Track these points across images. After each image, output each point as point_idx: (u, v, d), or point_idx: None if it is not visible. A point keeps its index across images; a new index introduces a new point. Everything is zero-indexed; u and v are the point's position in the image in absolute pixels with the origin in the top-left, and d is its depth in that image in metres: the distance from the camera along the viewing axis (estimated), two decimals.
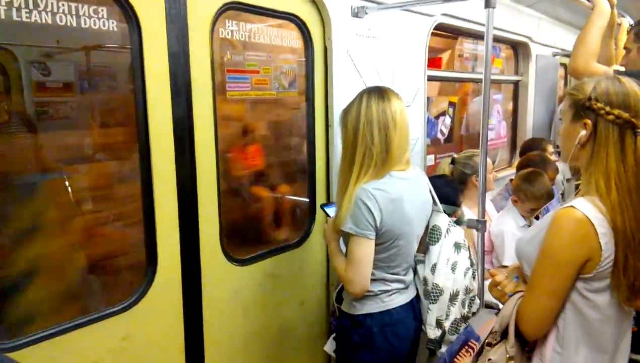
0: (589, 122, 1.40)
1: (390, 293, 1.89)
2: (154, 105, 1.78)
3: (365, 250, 1.77)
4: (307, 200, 2.54)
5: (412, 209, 1.85)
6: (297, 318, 2.52)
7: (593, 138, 1.40)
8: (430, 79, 3.28)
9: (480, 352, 1.54)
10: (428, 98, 3.27)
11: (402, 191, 1.82)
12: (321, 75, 2.46)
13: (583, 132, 1.41)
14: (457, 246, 2.03)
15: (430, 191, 2.03)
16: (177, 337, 1.96)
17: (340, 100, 2.47)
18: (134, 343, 1.80)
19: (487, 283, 2.32)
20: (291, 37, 2.36)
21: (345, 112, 1.89)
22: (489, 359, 1.45)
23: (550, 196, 3.04)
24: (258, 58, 2.25)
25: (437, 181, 2.72)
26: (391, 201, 1.77)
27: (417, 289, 2.02)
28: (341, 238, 1.95)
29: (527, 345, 1.50)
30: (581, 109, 1.42)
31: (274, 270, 2.35)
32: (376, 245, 1.79)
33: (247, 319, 2.24)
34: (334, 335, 2.14)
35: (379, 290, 1.86)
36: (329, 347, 2.16)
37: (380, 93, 1.83)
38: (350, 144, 1.83)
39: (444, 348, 1.96)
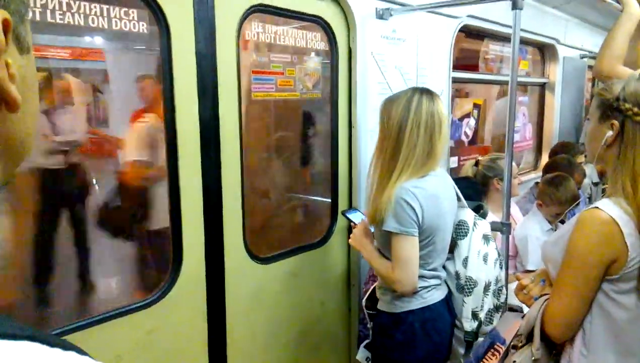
0: (616, 123, 1.38)
1: (429, 289, 1.91)
2: (182, 106, 1.82)
3: (411, 248, 1.79)
4: (330, 201, 2.55)
5: (445, 204, 1.89)
6: (318, 318, 2.53)
7: (620, 139, 1.39)
8: (456, 80, 3.26)
9: (505, 355, 1.53)
10: (452, 100, 3.25)
11: (437, 187, 1.85)
12: (345, 77, 2.47)
13: (610, 133, 1.40)
14: (486, 238, 2.04)
15: (454, 187, 2.05)
16: (201, 332, 1.99)
17: (364, 102, 2.48)
18: (159, 337, 1.84)
19: (512, 287, 2.31)
20: (316, 39, 2.38)
21: (390, 104, 1.87)
22: (514, 361, 1.44)
23: (575, 200, 3.00)
24: (282, 60, 2.27)
25: (460, 183, 2.71)
26: (430, 197, 1.80)
27: (447, 286, 2.03)
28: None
29: (555, 348, 1.49)
30: (609, 109, 1.41)
31: (295, 270, 2.37)
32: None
33: (269, 317, 2.27)
34: (365, 342, 2.14)
35: (420, 287, 1.88)
36: (361, 355, 2.16)
37: (429, 94, 1.85)
38: (393, 139, 1.82)
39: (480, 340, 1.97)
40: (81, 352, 0.42)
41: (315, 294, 2.50)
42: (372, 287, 2.08)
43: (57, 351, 0.40)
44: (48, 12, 1.51)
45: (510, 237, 2.99)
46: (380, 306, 1.98)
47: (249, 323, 2.18)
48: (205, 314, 1.99)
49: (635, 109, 1.35)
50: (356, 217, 2.15)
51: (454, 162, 3.53)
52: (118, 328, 1.74)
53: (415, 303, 1.88)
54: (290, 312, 2.37)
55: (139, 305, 1.80)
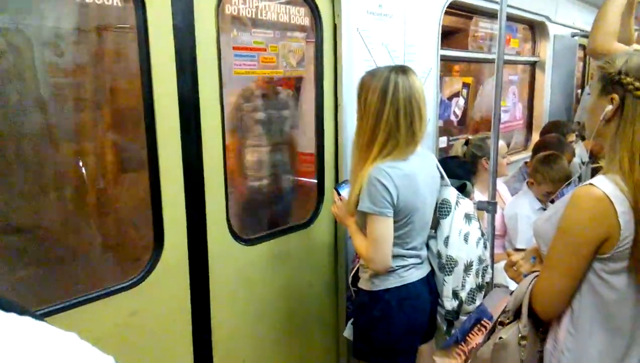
0: (616, 97, 1.35)
1: (408, 268, 1.91)
2: (160, 83, 1.77)
3: (384, 228, 1.78)
4: (316, 180, 2.52)
5: (424, 184, 1.87)
6: (306, 299, 2.51)
7: (620, 114, 1.35)
8: (444, 59, 3.21)
9: (492, 331, 1.52)
10: (441, 78, 3.20)
11: (414, 167, 1.83)
12: (330, 54, 2.42)
13: (609, 107, 1.36)
14: (468, 217, 2.04)
15: (437, 166, 2.03)
16: (184, 314, 1.97)
17: (350, 80, 2.44)
18: (141, 319, 1.81)
19: (499, 265, 2.31)
20: (299, 14, 2.32)
21: (366, 86, 1.83)
22: (500, 337, 1.43)
23: (567, 179, 2.98)
24: (265, 36, 2.22)
25: (450, 162, 2.70)
26: (405, 177, 1.78)
27: (431, 265, 2.03)
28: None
29: (542, 325, 1.47)
30: (609, 83, 1.37)
31: (281, 251, 2.34)
32: (394, 222, 1.80)
33: (255, 299, 2.24)
34: (352, 320, 2.15)
35: (397, 266, 1.88)
36: (348, 332, 2.17)
37: (405, 75, 1.80)
38: (370, 126, 1.80)
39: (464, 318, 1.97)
40: (38, 317, 0.42)
41: (302, 275, 2.48)
42: (357, 265, 2.08)
43: (12, 315, 0.39)
44: None
45: (499, 216, 2.99)
46: (360, 284, 1.99)
47: (234, 305, 2.15)
48: (189, 296, 1.96)
49: (637, 84, 1.31)
50: (347, 192, 2.13)
51: (443, 141, 3.50)
52: (98, 311, 1.71)
53: (393, 282, 1.89)
54: (277, 293, 2.35)
55: (120, 287, 1.77)
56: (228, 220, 2.08)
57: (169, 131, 1.81)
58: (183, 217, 1.90)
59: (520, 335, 1.42)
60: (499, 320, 1.50)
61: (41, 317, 0.42)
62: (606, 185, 1.29)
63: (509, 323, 1.47)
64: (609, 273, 1.34)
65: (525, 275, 1.51)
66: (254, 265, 2.22)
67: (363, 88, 1.85)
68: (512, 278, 1.61)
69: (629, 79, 1.32)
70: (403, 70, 1.82)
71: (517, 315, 1.46)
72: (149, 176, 1.81)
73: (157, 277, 1.85)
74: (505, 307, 1.50)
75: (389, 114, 1.76)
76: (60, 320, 1.61)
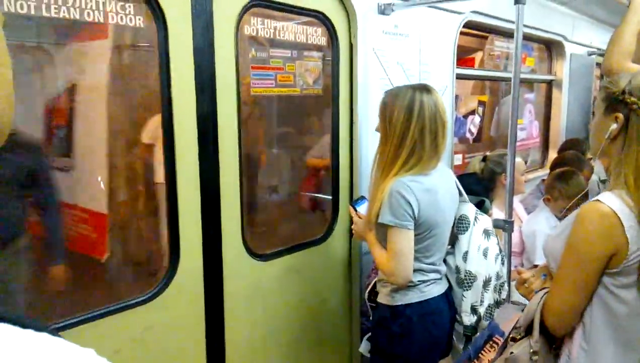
0: (620, 115, 1.38)
1: (428, 283, 1.91)
2: (179, 101, 1.81)
3: (405, 241, 1.78)
4: (330, 196, 2.53)
5: (444, 199, 1.88)
6: (319, 315, 2.51)
7: (624, 132, 1.38)
8: (459, 77, 3.23)
9: (504, 347, 1.52)
10: (456, 96, 3.22)
11: (435, 182, 1.85)
12: (346, 73, 2.45)
13: (614, 126, 1.39)
14: (487, 233, 2.04)
15: (455, 182, 2.04)
16: (198, 329, 1.98)
17: (365, 98, 2.46)
18: (155, 334, 1.83)
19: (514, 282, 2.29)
20: (316, 34, 2.36)
21: (391, 106, 1.84)
22: (511, 352, 1.44)
23: (584, 196, 2.95)
24: (282, 55, 2.26)
25: (467, 178, 2.69)
26: (426, 191, 1.79)
27: (448, 281, 2.03)
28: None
29: (555, 342, 1.48)
30: (614, 102, 1.41)
31: (295, 266, 2.35)
32: (414, 236, 1.81)
33: (268, 314, 2.25)
34: (368, 335, 2.14)
35: (418, 281, 1.88)
36: (364, 347, 2.16)
37: (429, 94, 1.83)
38: (395, 144, 1.81)
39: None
40: (55, 334, 0.42)
41: (316, 291, 2.48)
42: (374, 280, 2.08)
43: (30, 332, 0.39)
44: (43, 6, 1.51)
45: (518, 233, 2.97)
46: (380, 298, 1.98)
47: (248, 320, 2.16)
48: (203, 311, 1.98)
49: None
50: (364, 208, 2.14)
51: (458, 159, 3.50)
52: (116, 324, 1.73)
53: (414, 297, 1.88)
54: (291, 309, 2.36)
55: (136, 301, 1.79)
56: (243, 236, 2.10)
57: (187, 148, 1.85)
58: (199, 232, 1.93)
59: (531, 350, 1.42)
60: (511, 336, 1.51)
61: (58, 333, 0.42)
62: (613, 201, 1.32)
63: (520, 339, 1.48)
64: (618, 287, 1.36)
65: (537, 292, 1.52)
66: (269, 281, 2.24)
67: (387, 108, 1.86)
68: (523, 296, 1.62)
69: (633, 99, 1.36)
70: (426, 88, 1.85)
71: (528, 331, 1.47)
72: (167, 192, 1.85)
73: (173, 292, 1.87)
74: (517, 323, 1.51)
75: (414, 132, 1.78)
76: (77, 333, 1.64)
